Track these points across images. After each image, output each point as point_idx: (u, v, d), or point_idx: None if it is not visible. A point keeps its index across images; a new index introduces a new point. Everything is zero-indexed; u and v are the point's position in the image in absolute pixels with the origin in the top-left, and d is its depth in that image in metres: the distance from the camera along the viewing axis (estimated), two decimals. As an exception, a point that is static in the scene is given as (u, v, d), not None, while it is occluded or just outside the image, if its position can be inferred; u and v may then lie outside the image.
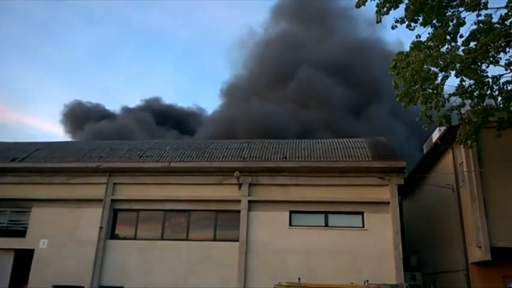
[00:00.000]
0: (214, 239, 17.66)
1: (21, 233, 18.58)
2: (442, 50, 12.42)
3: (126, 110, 45.28)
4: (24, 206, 19.02)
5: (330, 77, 38.13)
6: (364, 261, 15.78)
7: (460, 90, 12.98)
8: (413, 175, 20.50)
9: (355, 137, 21.22)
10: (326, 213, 17.23)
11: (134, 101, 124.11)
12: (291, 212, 17.38)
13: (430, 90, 12.35)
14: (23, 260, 18.12)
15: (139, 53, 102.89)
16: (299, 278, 10.72)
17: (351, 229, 16.69)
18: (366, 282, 10.64)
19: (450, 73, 12.76)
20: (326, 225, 17.12)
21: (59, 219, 18.37)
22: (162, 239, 17.97)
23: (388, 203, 16.60)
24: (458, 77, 12.93)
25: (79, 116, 45.53)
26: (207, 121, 43.75)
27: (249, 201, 17.54)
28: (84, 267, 17.30)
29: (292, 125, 34.36)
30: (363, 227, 16.67)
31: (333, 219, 17.09)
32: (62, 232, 18.11)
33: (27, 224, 18.71)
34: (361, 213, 16.88)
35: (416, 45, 12.64)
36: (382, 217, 16.51)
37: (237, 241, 17.06)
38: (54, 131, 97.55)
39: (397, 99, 13.13)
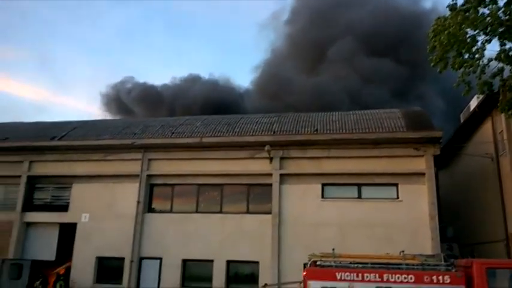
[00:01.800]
0: (247, 212, 17.95)
1: (64, 208, 19.55)
2: (481, 12, 11.70)
3: (165, 88, 45.37)
4: (65, 183, 19.93)
5: (372, 50, 36.57)
6: (398, 232, 15.65)
7: (501, 55, 12.26)
8: (449, 145, 19.88)
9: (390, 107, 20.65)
10: (359, 185, 17.08)
11: (165, 78, 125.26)
12: (323, 185, 17.34)
13: (468, 55, 11.73)
14: (67, 233, 19.11)
15: (169, 31, 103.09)
16: (333, 249, 10.75)
17: (385, 201, 16.52)
18: (402, 253, 10.53)
19: (490, 37, 12.04)
20: (359, 197, 17.02)
21: (98, 194, 19.15)
22: (196, 212, 18.44)
23: (424, 173, 16.26)
24: (499, 40, 12.19)
25: (118, 96, 46.42)
26: (245, 96, 43.13)
27: (281, 175, 17.61)
28: (124, 239, 18.08)
29: (337, 97, 33.19)
30: (398, 198, 16.45)
31: (367, 191, 16.95)
32: (102, 206, 18.90)
33: (69, 199, 19.65)
34: (396, 184, 16.63)
35: (453, 8, 11.96)
36: (418, 188, 16.23)
37: (270, 214, 17.27)
38: (90, 111, 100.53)
39: (432, 64, 12.57)
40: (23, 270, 18.27)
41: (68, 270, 18.52)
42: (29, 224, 19.78)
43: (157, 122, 21.63)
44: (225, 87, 44.09)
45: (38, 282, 17.60)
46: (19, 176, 20.03)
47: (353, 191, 17.10)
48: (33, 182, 20.30)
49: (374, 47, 36.61)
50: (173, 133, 19.62)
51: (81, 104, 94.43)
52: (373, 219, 16.18)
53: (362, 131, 17.28)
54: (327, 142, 17.26)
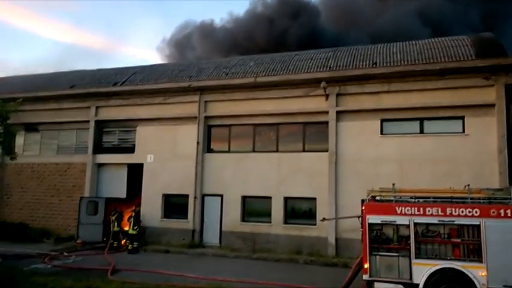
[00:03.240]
0: (304, 150, 17.97)
1: (131, 150, 20.78)
2: None
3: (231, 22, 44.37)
4: (130, 126, 21.02)
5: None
6: (463, 167, 14.98)
7: None
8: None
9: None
10: (421, 119, 16.30)
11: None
12: (382, 121, 16.77)
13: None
14: (135, 172, 20.46)
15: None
16: (393, 184, 10.54)
17: (450, 135, 15.69)
18: (467, 187, 10.10)
19: None
20: (421, 132, 16.30)
21: (161, 136, 20.04)
22: (253, 151, 18.78)
23: (494, 105, 15.12)
24: None
25: (177, 40, 46.75)
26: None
27: (337, 112, 17.22)
28: (187, 178, 19.05)
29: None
30: (463, 132, 15.55)
31: (429, 126, 16.16)
32: (164, 148, 19.83)
33: (134, 141, 20.80)
34: (462, 117, 15.66)
35: None
36: (486, 121, 15.20)
37: (326, 152, 17.17)
38: (147, 57, 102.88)
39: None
40: (99, 206, 20.08)
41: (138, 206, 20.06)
42: (100, 165, 21.38)
43: (212, 63, 21.67)
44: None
45: (113, 218, 19.23)
46: (88, 121, 21.41)
47: (415, 126, 16.38)
48: (101, 126, 21.63)
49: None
50: (227, 74, 19.62)
51: (138, 50, 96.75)
52: (436, 154, 15.54)
53: (426, 62, 16.14)
54: (387, 75, 16.41)
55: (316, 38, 34.95)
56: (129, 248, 17.77)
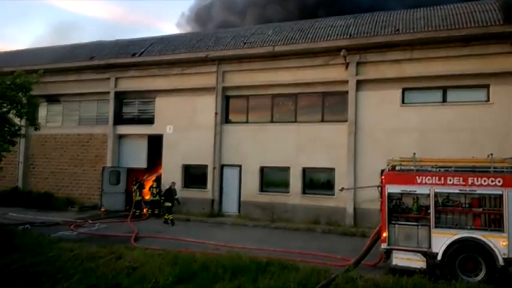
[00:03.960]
0: (322, 121, 17.81)
1: (150, 121, 21.00)
2: None
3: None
4: (149, 97, 21.16)
5: None
6: (487, 137, 14.62)
7: None
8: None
9: None
10: (444, 88, 15.89)
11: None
12: (403, 90, 16.42)
13: None
14: (155, 143, 20.73)
15: None
16: (414, 153, 10.39)
17: (473, 104, 15.30)
18: (490, 156, 9.88)
19: None
20: (444, 101, 15.93)
21: (180, 107, 20.14)
22: (271, 122, 18.72)
23: (521, 73, 14.56)
24: None
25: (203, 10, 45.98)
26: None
27: (357, 81, 16.91)
28: (205, 149, 19.21)
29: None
30: (488, 101, 15.13)
31: (452, 95, 15.77)
32: (183, 118, 19.95)
33: (153, 112, 20.97)
34: (486, 86, 15.21)
35: None
36: (512, 89, 14.69)
37: (345, 122, 16.98)
38: (162, 27, 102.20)
39: None
40: (121, 176, 20.55)
41: (159, 176, 20.46)
42: (121, 136, 21.73)
43: (229, 33, 21.37)
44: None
45: (135, 187, 19.67)
46: (108, 92, 21.62)
47: (437, 95, 16.02)
48: (121, 97, 21.85)
49: None
50: (245, 43, 19.35)
51: (154, 20, 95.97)
52: (458, 124, 15.20)
53: (450, 28, 15.54)
54: (409, 42, 15.92)
55: (352, 5, 33.53)
56: (167, 218, 17.34)
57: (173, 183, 18.27)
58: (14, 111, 15.65)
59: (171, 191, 17.85)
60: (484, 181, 9.33)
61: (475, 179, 9.41)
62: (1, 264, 11.44)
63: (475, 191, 9.40)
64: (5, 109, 15.41)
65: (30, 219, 17.10)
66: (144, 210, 19.55)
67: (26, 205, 20.97)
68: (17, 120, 16.26)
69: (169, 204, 17.56)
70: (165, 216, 17.44)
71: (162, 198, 18.04)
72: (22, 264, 11.39)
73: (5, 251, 12.04)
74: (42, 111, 22.93)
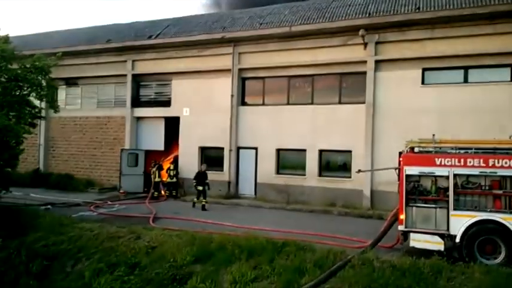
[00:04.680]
0: (340, 103, 17.58)
1: (167, 103, 21.10)
2: None
3: None
4: (165, 79, 21.21)
5: None
6: (509, 118, 14.19)
7: None
8: None
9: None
10: (466, 68, 15.43)
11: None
12: (423, 70, 16.03)
13: None
14: (172, 125, 20.86)
15: None
16: (433, 135, 10.19)
17: (496, 84, 14.83)
18: (512, 138, 9.64)
19: None
20: (465, 81, 15.50)
21: (196, 89, 20.13)
22: (288, 104, 18.58)
23: (548, 51, 14.01)
24: None
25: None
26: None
27: (376, 61, 16.58)
28: (222, 131, 19.24)
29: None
30: (511, 80, 14.63)
31: (474, 75, 15.31)
32: (200, 101, 19.96)
33: (170, 95, 21.04)
34: (510, 65, 14.68)
35: None
36: (539, 68, 14.17)
37: (363, 103, 16.72)
38: (177, 6, 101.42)
39: None
40: (139, 158, 20.82)
41: (176, 158, 20.67)
42: (138, 119, 21.93)
43: (245, 13, 21.10)
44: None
45: (154, 169, 19.92)
46: (125, 75, 21.74)
47: (458, 75, 15.58)
48: (138, 80, 21.96)
49: None
50: (261, 24, 19.09)
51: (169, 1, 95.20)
52: (480, 104, 14.78)
53: (474, 5, 14.98)
54: (430, 21, 15.45)
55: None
56: (201, 203, 16.60)
57: (204, 165, 17.71)
58: (34, 94, 15.89)
59: (202, 174, 17.03)
60: (506, 163, 9.10)
61: (496, 160, 9.19)
62: (25, 242, 11.81)
63: (496, 172, 9.19)
64: (25, 92, 15.65)
65: (52, 200, 17.54)
66: (162, 192, 19.82)
67: (47, 186, 21.54)
68: (37, 102, 16.53)
69: (201, 188, 16.72)
70: (194, 200, 16.88)
71: (194, 181, 17.03)
72: (45, 243, 11.73)
73: (28, 230, 12.41)
74: (61, 94, 23.27)
